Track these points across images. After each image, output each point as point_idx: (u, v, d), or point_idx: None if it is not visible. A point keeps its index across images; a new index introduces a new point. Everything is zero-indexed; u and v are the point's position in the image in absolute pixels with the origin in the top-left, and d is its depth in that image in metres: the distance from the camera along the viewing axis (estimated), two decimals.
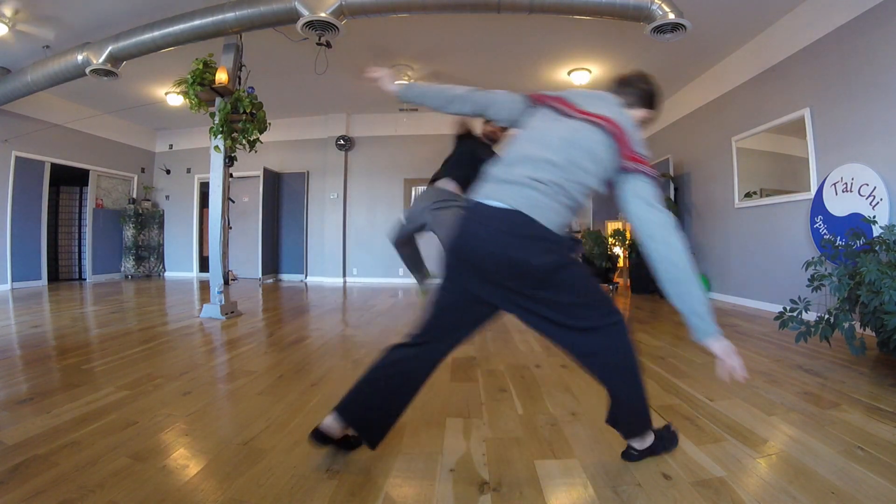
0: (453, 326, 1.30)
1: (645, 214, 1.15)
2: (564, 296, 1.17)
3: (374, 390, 1.30)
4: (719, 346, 1.11)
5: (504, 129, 2.61)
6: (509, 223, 1.13)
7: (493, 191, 1.19)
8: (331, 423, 1.29)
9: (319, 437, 1.30)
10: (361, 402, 1.30)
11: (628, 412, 1.29)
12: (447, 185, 2.64)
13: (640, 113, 1.34)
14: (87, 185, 7.18)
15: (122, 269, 7.70)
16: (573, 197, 1.17)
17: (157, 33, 3.91)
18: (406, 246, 2.86)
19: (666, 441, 1.38)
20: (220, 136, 3.85)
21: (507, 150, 1.28)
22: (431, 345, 1.31)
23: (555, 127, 1.23)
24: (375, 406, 1.29)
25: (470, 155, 2.66)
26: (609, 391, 1.27)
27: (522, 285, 1.16)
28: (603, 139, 1.18)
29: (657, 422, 1.40)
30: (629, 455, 1.36)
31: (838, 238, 2.84)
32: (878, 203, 3.08)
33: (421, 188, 7.41)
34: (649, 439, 1.35)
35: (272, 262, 7.60)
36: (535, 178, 1.15)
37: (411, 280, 7.33)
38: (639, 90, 1.34)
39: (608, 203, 6.96)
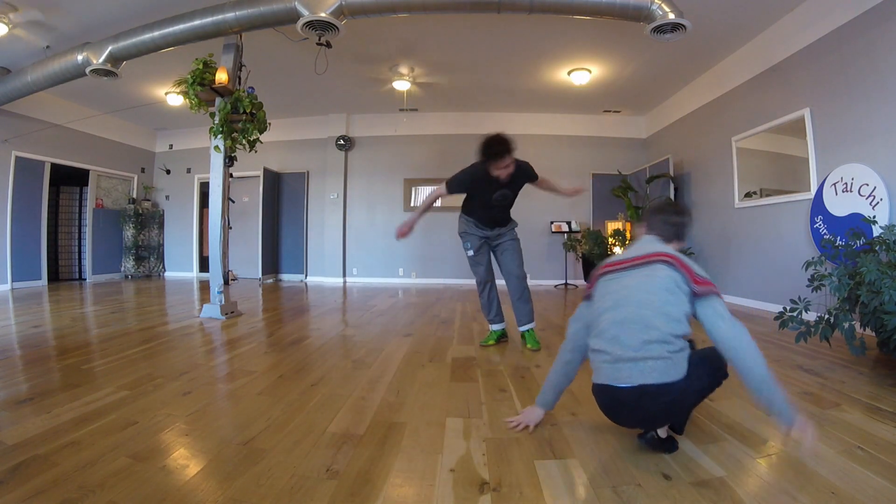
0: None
1: (728, 330, 1.28)
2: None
3: None
4: (798, 425, 1.22)
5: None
6: (647, 398, 1.27)
7: (618, 372, 1.30)
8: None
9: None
10: None
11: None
12: None
13: (675, 245, 1.50)
14: (87, 185, 7.18)
15: (122, 269, 7.70)
16: (677, 344, 1.29)
17: (157, 33, 3.91)
18: None
19: (668, 443, 1.41)
20: (220, 136, 3.85)
21: (602, 320, 1.39)
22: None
23: (630, 282, 1.39)
24: None
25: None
26: None
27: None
28: (672, 273, 1.35)
29: None
30: (650, 439, 1.40)
31: (838, 238, 2.84)
32: (878, 203, 3.08)
33: (421, 188, 7.43)
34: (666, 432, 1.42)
35: (272, 262, 7.60)
36: (646, 354, 1.27)
37: (411, 280, 7.34)
38: (672, 225, 1.53)
39: (608, 203, 6.98)
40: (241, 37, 3.99)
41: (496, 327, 2.98)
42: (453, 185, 2.74)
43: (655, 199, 1.50)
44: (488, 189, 2.71)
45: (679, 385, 1.25)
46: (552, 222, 6.89)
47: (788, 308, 2.42)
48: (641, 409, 1.29)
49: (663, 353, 1.26)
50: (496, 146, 2.50)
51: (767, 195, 4.45)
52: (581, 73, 5.50)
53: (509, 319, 3.11)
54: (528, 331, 2.90)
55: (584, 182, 7.22)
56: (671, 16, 3.33)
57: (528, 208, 6.94)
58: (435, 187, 2.86)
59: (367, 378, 2.22)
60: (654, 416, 1.33)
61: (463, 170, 2.78)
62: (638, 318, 1.31)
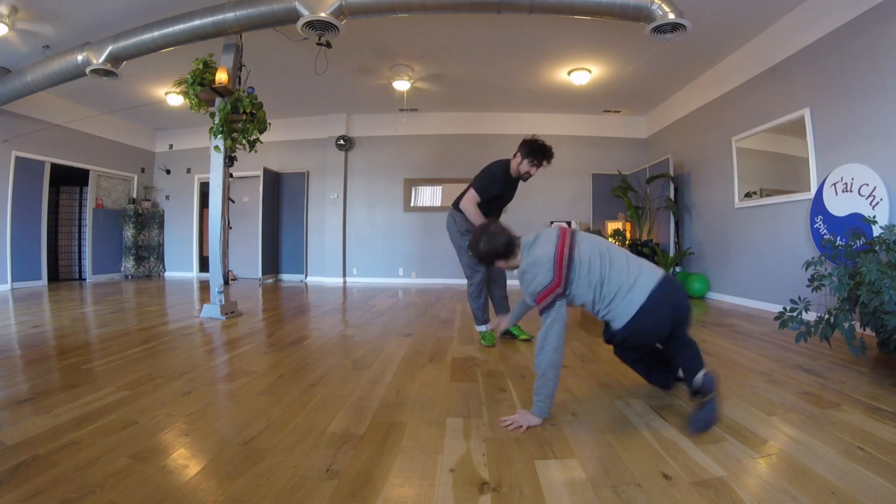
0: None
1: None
2: None
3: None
4: None
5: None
6: (662, 298, 1.67)
7: (630, 304, 1.66)
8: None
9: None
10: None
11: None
12: None
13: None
14: (87, 185, 7.18)
15: (122, 269, 7.70)
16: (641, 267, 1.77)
17: (157, 33, 3.91)
18: None
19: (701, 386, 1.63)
20: (220, 136, 3.85)
21: (593, 288, 1.71)
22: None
23: (588, 255, 1.72)
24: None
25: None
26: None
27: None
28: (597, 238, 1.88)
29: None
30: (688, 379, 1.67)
31: (838, 238, 2.84)
32: (877, 203, 3.08)
33: (421, 188, 7.43)
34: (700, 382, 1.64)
35: (272, 262, 7.60)
36: (638, 277, 1.69)
37: (411, 280, 7.34)
38: (507, 234, 1.91)
39: (608, 203, 6.98)
40: (240, 37, 3.99)
41: (487, 327, 3.03)
42: (485, 190, 2.82)
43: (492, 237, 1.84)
44: (507, 188, 2.90)
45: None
46: (552, 222, 6.89)
47: (788, 308, 2.42)
48: (664, 310, 1.64)
49: (643, 272, 1.70)
50: (550, 152, 2.76)
51: (767, 195, 4.45)
52: (581, 73, 5.49)
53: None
54: (514, 325, 3.10)
55: (584, 182, 7.24)
56: (671, 16, 3.33)
57: (529, 208, 6.95)
58: (470, 205, 2.81)
59: (367, 378, 2.22)
60: (676, 313, 1.67)
61: (489, 173, 2.87)
62: (615, 265, 1.71)
